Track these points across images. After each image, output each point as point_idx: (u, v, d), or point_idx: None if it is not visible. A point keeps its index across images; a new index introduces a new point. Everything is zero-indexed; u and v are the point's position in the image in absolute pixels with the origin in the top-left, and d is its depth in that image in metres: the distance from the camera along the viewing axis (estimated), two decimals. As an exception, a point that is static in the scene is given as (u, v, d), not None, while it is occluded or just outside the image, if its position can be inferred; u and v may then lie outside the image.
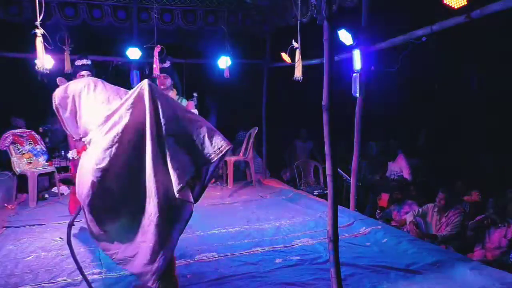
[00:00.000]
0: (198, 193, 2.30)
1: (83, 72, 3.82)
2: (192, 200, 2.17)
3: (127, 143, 2.14)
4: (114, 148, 2.11)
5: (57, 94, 2.42)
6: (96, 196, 2.13)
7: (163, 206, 2.11)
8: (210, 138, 2.23)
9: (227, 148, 2.23)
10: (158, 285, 2.16)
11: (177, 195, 2.10)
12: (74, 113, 2.41)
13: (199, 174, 2.27)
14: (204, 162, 2.23)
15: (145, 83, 2.20)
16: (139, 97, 2.17)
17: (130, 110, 2.15)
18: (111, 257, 2.31)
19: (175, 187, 2.10)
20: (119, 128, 2.13)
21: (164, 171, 2.12)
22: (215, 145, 2.21)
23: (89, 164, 2.15)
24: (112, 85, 2.47)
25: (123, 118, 2.15)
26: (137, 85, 2.23)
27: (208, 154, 2.21)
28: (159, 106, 2.15)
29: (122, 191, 2.17)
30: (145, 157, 2.13)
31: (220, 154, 2.22)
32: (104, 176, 2.10)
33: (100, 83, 2.43)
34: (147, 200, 2.14)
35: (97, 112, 2.27)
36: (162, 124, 2.14)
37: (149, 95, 2.15)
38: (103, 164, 2.10)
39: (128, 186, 2.17)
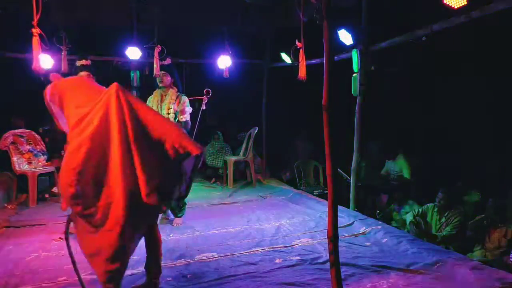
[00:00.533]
0: (184, 191, 2.39)
1: (82, 73, 3.82)
2: (158, 203, 2.19)
3: (98, 146, 2.15)
4: (85, 150, 2.13)
5: (47, 91, 2.45)
6: (73, 196, 2.16)
7: (128, 210, 2.12)
8: (180, 142, 2.22)
9: (196, 153, 2.22)
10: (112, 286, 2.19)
11: (145, 199, 2.11)
12: (63, 110, 2.45)
13: (174, 178, 2.30)
14: (175, 167, 2.23)
15: (113, 87, 2.20)
16: (107, 101, 2.18)
17: (99, 114, 2.17)
18: (82, 251, 2.33)
19: (144, 191, 2.11)
20: (89, 131, 2.16)
21: (132, 176, 2.14)
22: (184, 150, 2.21)
23: (64, 165, 2.20)
24: (96, 86, 2.43)
25: (93, 121, 2.17)
26: (107, 89, 2.23)
27: (178, 160, 2.21)
28: (127, 110, 2.16)
29: (95, 193, 2.18)
30: (113, 161, 2.15)
31: (189, 159, 2.22)
32: (77, 178, 2.14)
33: (84, 84, 2.42)
34: (114, 203, 2.15)
35: (73, 115, 2.30)
36: (130, 128, 2.15)
37: (116, 100, 2.16)
38: (74, 165, 2.13)
39: (100, 188, 2.19)
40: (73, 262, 2.40)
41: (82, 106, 2.29)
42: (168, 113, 4.13)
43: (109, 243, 2.14)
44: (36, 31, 5.33)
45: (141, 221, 2.25)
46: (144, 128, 2.20)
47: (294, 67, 6.02)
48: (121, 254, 2.16)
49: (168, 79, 4.20)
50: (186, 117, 4.10)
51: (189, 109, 4.20)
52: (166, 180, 2.26)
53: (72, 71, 3.83)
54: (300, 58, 5.64)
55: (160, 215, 4.41)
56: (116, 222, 2.13)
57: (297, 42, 5.59)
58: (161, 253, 2.73)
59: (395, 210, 5.25)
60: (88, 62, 3.93)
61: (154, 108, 4.22)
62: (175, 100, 4.16)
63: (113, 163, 2.15)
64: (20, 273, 3.03)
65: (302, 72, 5.69)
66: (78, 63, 3.91)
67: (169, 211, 4.40)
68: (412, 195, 5.42)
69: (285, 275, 3.00)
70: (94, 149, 2.14)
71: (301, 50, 5.60)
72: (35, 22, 5.36)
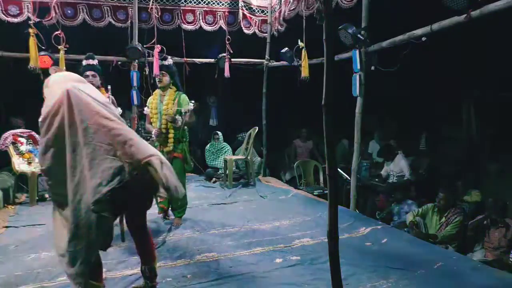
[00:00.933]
0: (173, 192, 2.22)
1: (88, 72, 3.85)
2: (109, 215, 2.08)
3: (60, 149, 2.14)
4: (51, 154, 2.13)
5: (44, 85, 2.43)
6: (50, 191, 2.20)
7: (77, 216, 2.07)
8: (130, 147, 2.09)
9: (148, 159, 2.07)
10: None
11: (91, 207, 2.03)
12: None
13: (141, 186, 2.18)
14: (128, 173, 2.08)
15: (64, 90, 2.16)
16: (59, 105, 2.15)
17: (57, 118, 2.15)
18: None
19: (91, 198, 2.01)
20: (52, 133, 2.16)
21: (83, 181, 2.07)
22: (140, 154, 2.08)
23: (39, 164, 2.24)
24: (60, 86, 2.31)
25: (53, 123, 2.15)
26: (60, 93, 2.18)
27: (134, 168, 2.07)
28: (77, 115, 2.11)
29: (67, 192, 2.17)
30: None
31: (139, 166, 2.06)
32: (49, 178, 2.16)
33: (57, 82, 2.33)
34: (69, 205, 2.12)
35: (41, 113, 2.28)
36: (80, 132, 2.10)
37: (67, 104, 2.13)
38: (45, 166, 2.15)
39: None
40: None
41: (45, 106, 2.26)
42: (167, 114, 4.11)
43: (63, 246, 2.13)
44: (33, 31, 5.36)
45: (91, 228, 2.08)
46: (95, 134, 2.11)
47: (294, 67, 6.04)
48: (73, 260, 2.11)
49: (166, 79, 4.18)
50: (178, 122, 4.07)
51: (189, 107, 4.15)
52: (125, 188, 2.09)
53: (79, 70, 3.85)
54: (303, 58, 5.67)
55: (160, 215, 4.41)
56: (68, 227, 2.11)
57: (299, 42, 5.61)
58: (154, 257, 2.64)
59: (395, 210, 5.24)
60: (95, 61, 3.96)
61: (153, 108, 4.21)
62: (173, 100, 4.14)
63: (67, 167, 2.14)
64: (20, 273, 3.02)
65: (304, 72, 5.71)
66: (85, 62, 3.93)
67: (170, 211, 4.40)
68: (412, 195, 5.41)
69: (285, 275, 3.00)
70: (58, 152, 2.13)
71: (303, 50, 5.62)
72: (31, 22, 5.37)
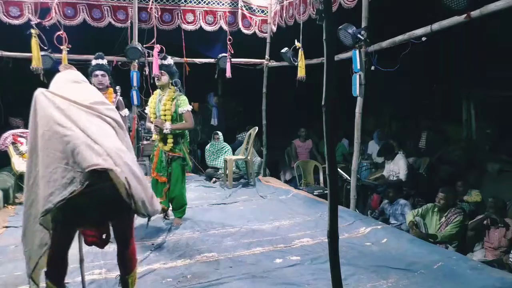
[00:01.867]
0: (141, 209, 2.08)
1: (97, 72, 3.87)
2: (50, 231, 1.93)
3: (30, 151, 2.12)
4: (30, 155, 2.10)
5: None
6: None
7: (27, 219, 2.02)
8: (77, 155, 1.90)
9: (96, 167, 1.86)
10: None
11: (40, 216, 1.88)
12: None
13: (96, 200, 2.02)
14: (80, 184, 1.89)
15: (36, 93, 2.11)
16: (32, 107, 2.11)
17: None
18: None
19: (41, 207, 1.88)
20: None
21: (35, 187, 1.99)
22: (84, 162, 1.88)
23: None
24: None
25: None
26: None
27: (80, 175, 1.90)
28: (38, 120, 2.03)
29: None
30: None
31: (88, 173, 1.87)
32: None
33: (51, 82, 2.30)
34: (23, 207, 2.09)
35: None
36: (39, 139, 2.01)
37: (33, 109, 2.07)
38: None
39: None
40: (81, 261, 2.42)
41: None
42: (165, 114, 4.09)
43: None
44: (35, 31, 5.37)
45: (37, 237, 1.96)
46: (49, 141, 1.98)
47: (294, 67, 6.05)
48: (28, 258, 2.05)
49: (165, 78, 4.16)
50: (167, 129, 4.05)
51: (186, 108, 4.13)
52: (81, 198, 1.91)
53: (88, 70, 3.86)
54: (299, 58, 5.67)
55: (161, 215, 4.41)
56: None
57: (296, 42, 5.61)
58: (130, 272, 2.43)
59: (388, 211, 5.21)
60: (104, 61, 3.96)
61: (152, 107, 4.20)
62: (172, 101, 4.11)
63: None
64: (20, 273, 3.02)
65: (301, 72, 5.71)
66: (94, 62, 3.94)
67: (170, 211, 4.39)
68: (408, 195, 5.40)
69: (285, 275, 3.01)
70: (29, 153, 2.11)
71: (300, 50, 5.62)
72: (33, 22, 5.38)
